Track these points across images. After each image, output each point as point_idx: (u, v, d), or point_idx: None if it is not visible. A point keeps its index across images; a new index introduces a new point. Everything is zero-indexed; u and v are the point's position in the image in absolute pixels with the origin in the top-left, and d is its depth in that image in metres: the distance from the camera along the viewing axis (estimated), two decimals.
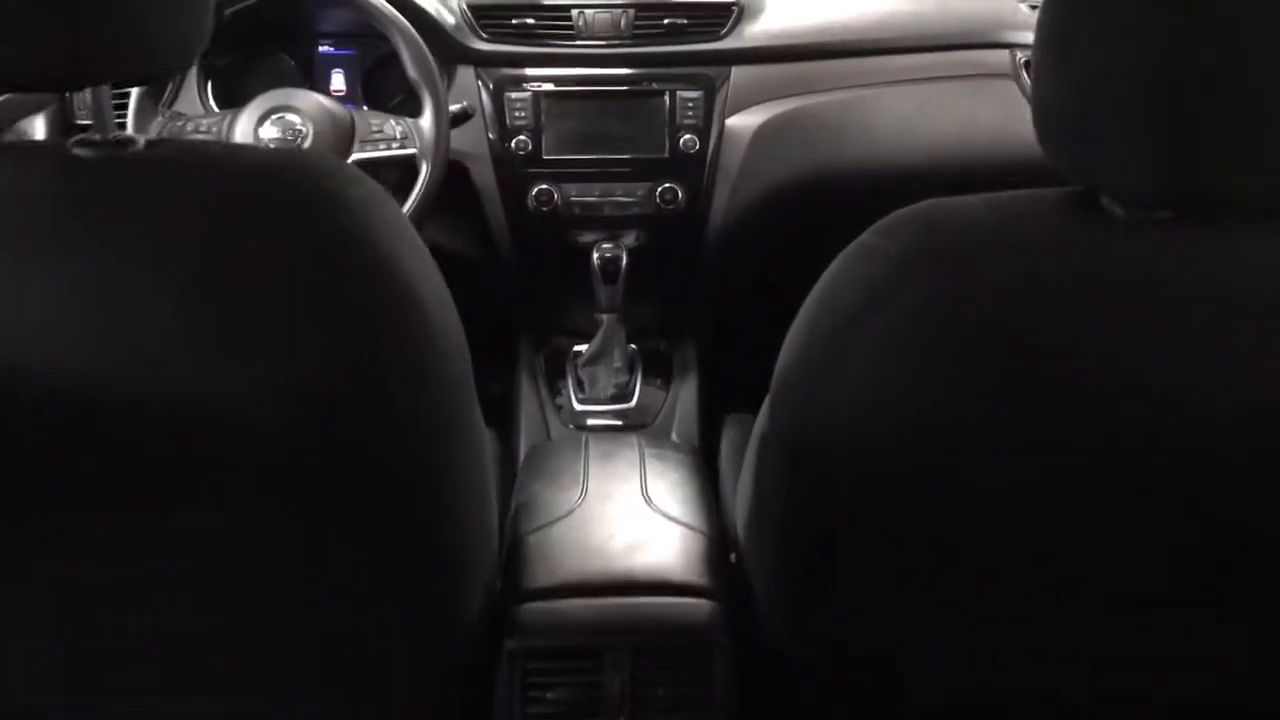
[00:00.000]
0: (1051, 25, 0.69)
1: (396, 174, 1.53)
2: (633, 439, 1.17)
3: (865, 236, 0.77)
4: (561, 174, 1.56)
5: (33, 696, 0.82)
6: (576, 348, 1.61)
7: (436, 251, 1.62)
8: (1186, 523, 0.70)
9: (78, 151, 0.69)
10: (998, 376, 0.68)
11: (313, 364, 0.69)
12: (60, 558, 0.73)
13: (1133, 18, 0.64)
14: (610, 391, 1.51)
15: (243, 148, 0.76)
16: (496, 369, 1.86)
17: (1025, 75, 1.61)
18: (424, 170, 1.40)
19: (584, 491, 1.04)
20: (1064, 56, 0.68)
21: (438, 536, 0.80)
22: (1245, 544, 0.71)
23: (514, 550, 0.98)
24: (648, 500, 1.04)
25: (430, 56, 1.41)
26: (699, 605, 0.92)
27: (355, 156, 1.41)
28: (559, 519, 1.01)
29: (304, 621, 0.79)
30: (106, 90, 0.70)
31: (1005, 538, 0.72)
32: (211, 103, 1.58)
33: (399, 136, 1.42)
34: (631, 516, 1.01)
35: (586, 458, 1.11)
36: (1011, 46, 1.63)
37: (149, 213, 0.67)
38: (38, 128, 1.52)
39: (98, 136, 0.69)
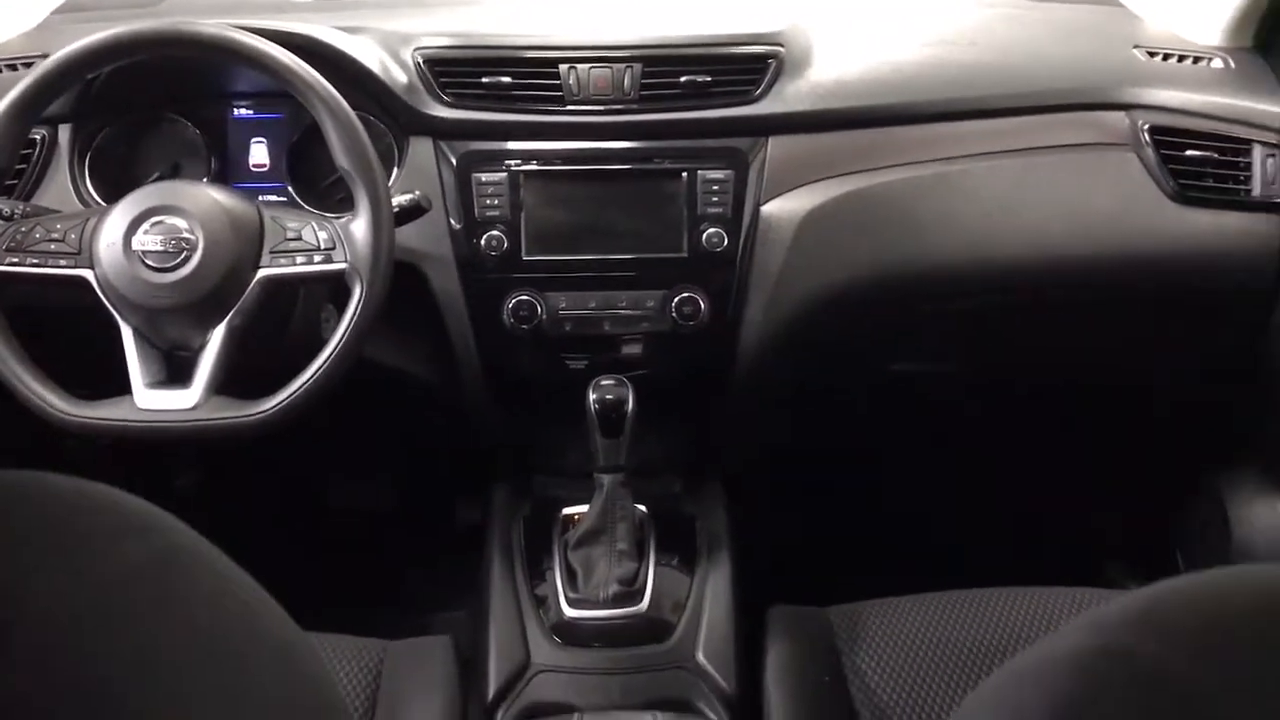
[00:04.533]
0: None
1: (326, 289, 1.16)
2: None
3: (1121, 640, 0.39)
4: (546, 280, 1.20)
5: None
6: (566, 510, 1.24)
7: (384, 373, 1.26)
8: None
9: None
10: None
11: None
12: None
13: None
14: (612, 588, 1.12)
15: None
16: (469, 497, 1.51)
17: (1148, 144, 1.23)
18: (356, 293, 1.03)
19: None
20: None
21: None
22: None
23: None
24: None
25: (366, 140, 1.04)
26: None
27: (263, 273, 1.04)
28: None
29: None
30: None
31: None
32: (89, 190, 1.21)
33: (323, 245, 1.05)
34: None
35: None
36: (1129, 108, 1.26)
37: None
38: None
39: None
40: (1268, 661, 0.37)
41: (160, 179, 1.19)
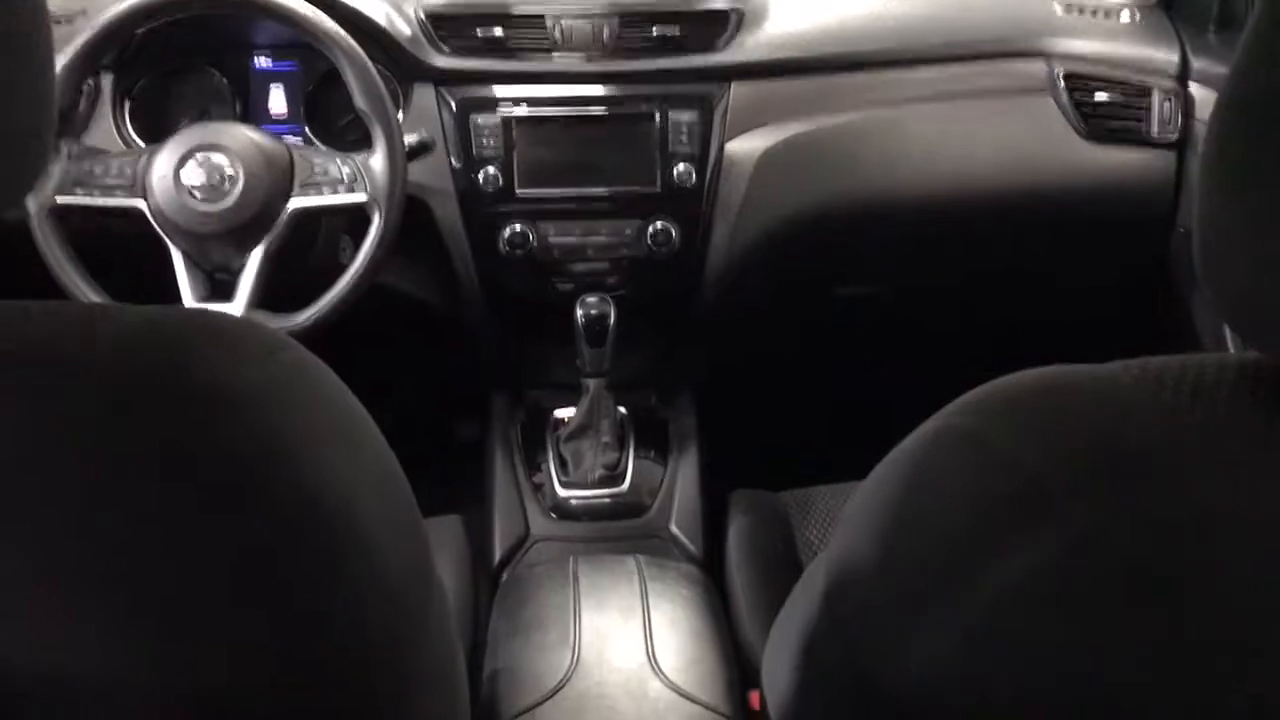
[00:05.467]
0: (1240, 130, 0.49)
1: (344, 220, 1.32)
2: (629, 563, 0.98)
3: (961, 419, 0.57)
4: (537, 211, 1.35)
5: None
6: (558, 412, 1.41)
7: (393, 296, 1.42)
8: None
9: None
10: (1172, 627, 0.49)
11: (196, 631, 0.48)
12: None
13: None
14: (598, 472, 1.30)
15: (98, 316, 0.54)
16: (468, 415, 1.67)
17: (1062, 89, 1.41)
18: (376, 220, 1.19)
19: (575, 654, 0.85)
20: (1262, 185, 0.48)
21: None
22: None
23: None
24: (653, 663, 0.84)
25: (381, 84, 1.19)
26: None
27: (294, 203, 1.19)
28: (545, 698, 0.81)
29: None
30: None
31: None
32: (130, 131, 1.36)
33: (346, 179, 1.20)
34: (635, 693, 0.82)
35: (576, 597, 0.92)
36: (1048, 56, 1.43)
37: None
38: None
39: None
40: (1084, 443, 0.54)
41: (191, 124, 1.34)
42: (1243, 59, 0.48)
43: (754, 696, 0.88)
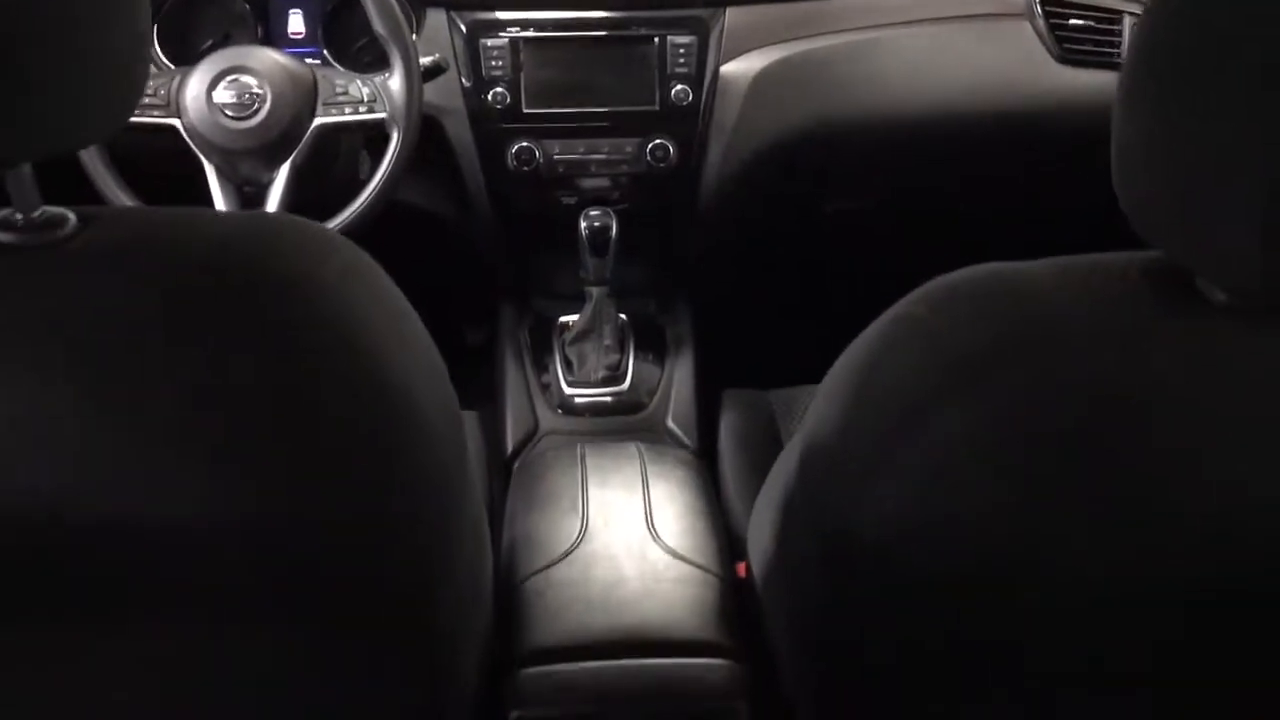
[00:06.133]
0: (1148, 65, 0.59)
1: (362, 137, 1.41)
2: (632, 449, 1.09)
3: (912, 308, 0.68)
4: (543, 129, 1.44)
5: None
6: (563, 318, 1.52)
7: (409, 211, 1.52)
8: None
9: (1, 238, 0.58)
10: (1079, 481, 0.60)
11: (282, 473, 0.59)
12: (13, 678, 0.66)
13: (1253, 71, 0.54)
14: (601, 372, 1.42)
15: (195, 221, 0.65)
16: (478, 324, 1.77)
17: (1039, 14, 1.49)
18: (395, 137, 1.28)
19: (584, 522, 0.97)
20: (1162, 108, 0.58)
21: (435, 617, 0.73)
22: None
23: (512, 598, 0.91)
24: (653, 532, 0.96)
25: (397, 9, 1.27)
26: (715, 667, 0.86)
27: (318, 121, 1.28)
28: (558, 560, 0.93)
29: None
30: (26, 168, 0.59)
31: (1078, 640, 0.65)
32: (158, 51, 1.44)
33: (366, 99, 1.29)
34: (637, 555, 0.93)
35: (584, 476, 1.03)
36: None
37: (86, 311, 0.56)
38: None
39: (20, 217, 0.58)
40: (1007, 325, 0.65)
41: (214, 46, 1.42)
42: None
43: (740, 567, 1.00)
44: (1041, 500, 0.61)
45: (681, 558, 0.94)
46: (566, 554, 0.94)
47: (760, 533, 0.90)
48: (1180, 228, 0.58)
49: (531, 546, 0.95)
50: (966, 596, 0.67)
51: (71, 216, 0.60)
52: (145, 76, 0.61)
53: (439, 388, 0.69)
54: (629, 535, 0.96)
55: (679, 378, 1.46)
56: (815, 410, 0.74)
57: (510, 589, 0.92)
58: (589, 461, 1.05)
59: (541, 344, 1.51)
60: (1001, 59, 1.50)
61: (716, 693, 0.85)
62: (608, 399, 1.42)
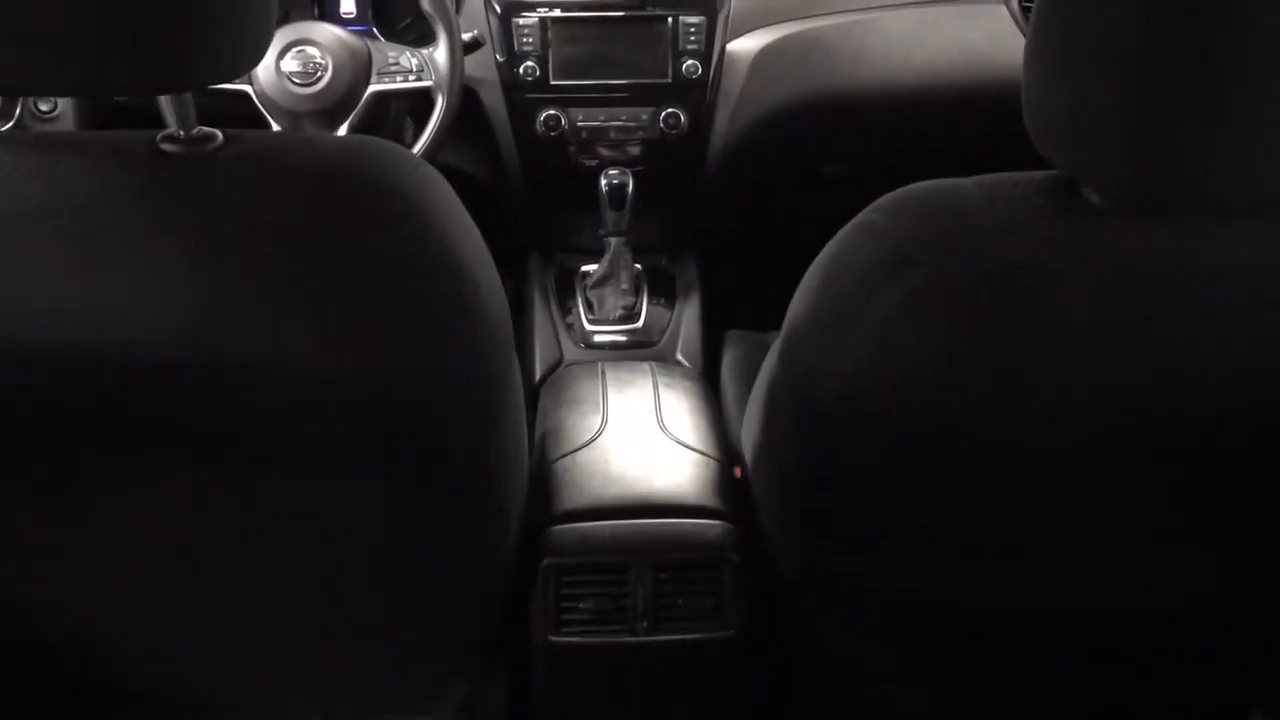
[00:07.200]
0: (1043, 23, 0.77)
1: (408, 104, 1.59)
2: (645, 366, 1.27)
3: (870, 215, 0.85)
4: (568, 99, 1.62)
5: (113, 633, 0.93)
6: (584, 268, 1.70)
7: (448, 171, 1.70)
8: (1159, 463, 0.81)
9: (165, 148, 0.76)
10: (994, 346, 0.78)
11: (378, 332, 0.78)
12: (155, 507, 0.84)
13: (1115, 24, 0.71)
14: (618, 312, 1.60)
15: (314, 140, 0.84)
16: (505, 277, 1.94)
17: (1015, 1, 1.66)
18: (440, 102, 1.46)
19: (604, 419, 1.15)
20: (1053, 44, 0.76)
21: (485, 475, 0.91)
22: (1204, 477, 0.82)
23: (544, 475, 1.09)
24: (662, 427, 1.14)
25: None
26: (712, 526, 1.04)
27: (373, 88, 1.46)
28: (582, 446, 1.11)
29: (368, 562, 0.90)
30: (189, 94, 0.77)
31: (1005, 478, 0.83)
32: None
33: (415, 69, 1.47)
34: (648, 444, 1.12)
35: (604, 385, 1.21)
36: None
37: (232, 205, 0.75)
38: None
39: (181, 133, 0.77)
40: (936, 224, 0.82)
41: (278, 24, 1.60)
42: None
43: (737, 470, 1.18)
44: (960, 363, 0.79)
45: (686, 445, 1.12)
46: (589, 442, 1.12)
47: (750, 426, 1.08)
48: (1068, 147, 0.76)
49: (559, 436, 1.13)
50: (907, 451, 0.85)
51: (219, 135, 0.78)
52: (273, 21, 0.79)
53: (495, 281, 0.87)
54: (642, 429, 1.14)
55: (687, 318, 1.64)
56: (791, 306, 0.92)
57: (542, 468, 1.10)
58: (608, 375, 1.24)
59: (565, 290, 1.69)
60: (980, 39, 1.67)
61: (713, 546, 1.03)
62: (623, 337, 1.60)
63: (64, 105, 1.55)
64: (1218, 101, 0.69)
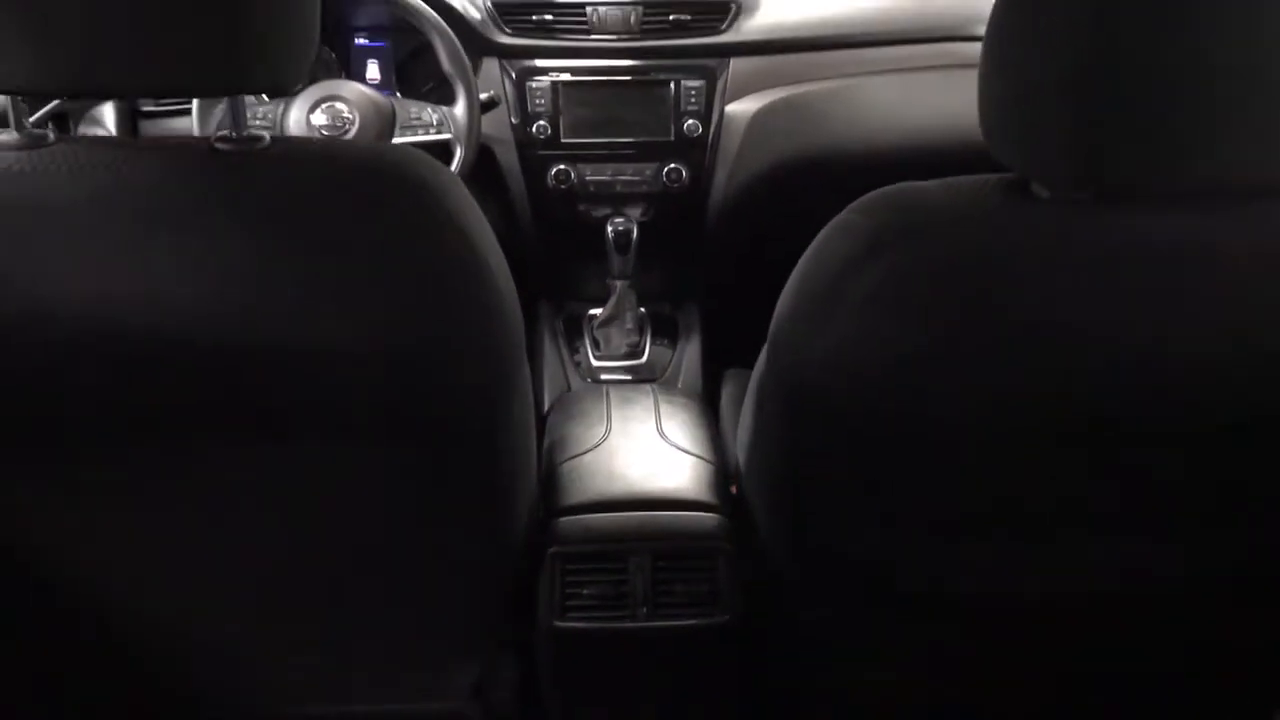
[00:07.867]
0: (994, 32, 0.87)
1: (430, 155, 1.71)
2: (647, 388, 1.36)
3: (846, 214, 0.95)
4: (578, 155, 1.74)
5: (138, 606, 1.00)
6: (592, 311, 1.80)
7: None
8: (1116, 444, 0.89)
9: (219, 146, 0.86)
10: (954, 325, 0.87)
11: (406, 313, 0.87)
12: (194, 479, 0.92)
13: (1055, 31, 0.81)
14: (623, 350, 1.70)
15: (348, 145, 0.94)
16: None
17: None
18: (458, 153, 1.58)
19: (608, 429, 1.23)
20: (1002, 60, 0.86)
21: (496, 467, 0.99)
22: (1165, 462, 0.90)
23: (551, 475, 1.17)
24: (662, 436, 1.23)
25: (463, 51, 1.58)
26: (707, 518, 1.12)
27: (396, 140, 1.58)
28: (588, 450, 1.19)
29: (385, 540, 0.98)
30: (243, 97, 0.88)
31: (972, 456, 0.91)
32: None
33: (435, 123, 1.59)
34: (649, 449, 1.20)
35: (608, 403, 1.30)
36: (981, 40, 1.80)
37: (279, 198, 0.85)
38: (107, 113, 1.69)
39: (234, 134, 0.87)
40: (904, 218, 0.91)
41: (304, 85, 1.72)
42: None
43: (733, 487, 1.26)
44: (929, 339, 0.88)
45: (684, 450, 1.20)
46: (594, 447, 1.20)
47: (744, 422, 1.16)
48: (1017, 147, 0.86)
49: (566, 443, 1.22)
50: (885, 428, 0.93)
51: (267, 136, 0.88)
52: (316, 38, 0.90)
53: (507, 276, 0.96)
54: (643, 437, 1.22)
55: (688, 357, 1.74)
56: (777, 306, 1.01)
57: (550, 470, 1.18)
58: (612, 394, 1.33)
59: (573, 332, 1.79)
60: (959, 103, 1.75)
61: (709, 536, 1.11)
62: (628, 375, 1.70)
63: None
64: (1150, 100, 0.79)
